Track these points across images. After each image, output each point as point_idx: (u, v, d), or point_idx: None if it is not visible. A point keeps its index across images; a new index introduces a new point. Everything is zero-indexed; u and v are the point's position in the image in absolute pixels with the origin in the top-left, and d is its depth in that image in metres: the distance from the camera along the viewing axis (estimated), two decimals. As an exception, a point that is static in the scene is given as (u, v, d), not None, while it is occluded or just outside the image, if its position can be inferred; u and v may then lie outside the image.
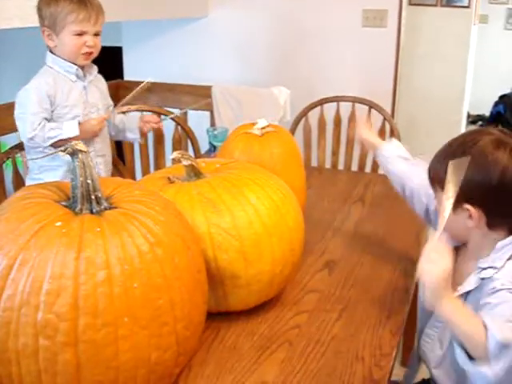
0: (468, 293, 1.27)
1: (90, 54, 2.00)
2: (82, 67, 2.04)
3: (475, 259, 1.30)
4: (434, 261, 1.17)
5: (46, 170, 2.03)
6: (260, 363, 1.27)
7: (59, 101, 1.97)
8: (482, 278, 1.24)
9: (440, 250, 1.19)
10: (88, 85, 2.07)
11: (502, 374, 1.08)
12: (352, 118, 2.94)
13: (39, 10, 1.95)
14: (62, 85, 1.99)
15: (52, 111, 1.96)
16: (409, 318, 1.52)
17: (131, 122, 2.26)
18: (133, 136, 2.27)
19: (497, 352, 1.08)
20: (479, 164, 1.21)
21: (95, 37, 1.98)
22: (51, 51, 2.00)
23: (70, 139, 1.85)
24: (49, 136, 1.90)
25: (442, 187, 1.24)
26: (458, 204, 1.23)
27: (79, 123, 1.97)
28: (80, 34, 1.94)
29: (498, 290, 1.17)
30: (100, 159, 2.16)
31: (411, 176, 1.59)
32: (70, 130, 1.93)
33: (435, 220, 1.47)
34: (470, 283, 1.27)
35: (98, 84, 2.15)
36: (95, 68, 2.12)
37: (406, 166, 1.62)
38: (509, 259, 1.22)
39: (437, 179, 1.31)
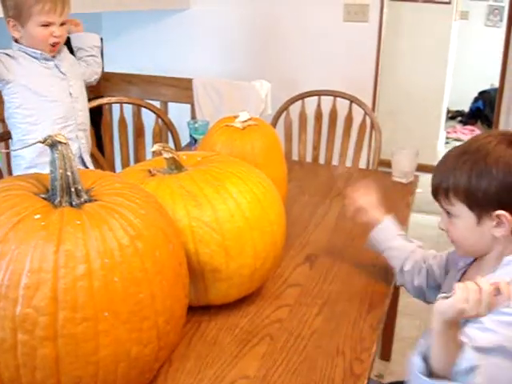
0: None
1: (57, 43, 1.99)
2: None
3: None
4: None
5: (37, 167, 2.00)
6: (241, 357, 1.26)
7: (27, 75, 1.97)
8: None
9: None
10: (58, 62, 2.06)
11: None
12: (333, 112, 2.95)
13: (3, 0, 1.92)
14: (31, 65, 1.99)
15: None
16: (389, 313, 1.53)
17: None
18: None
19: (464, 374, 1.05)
20: (506, 167, 1.15)
21: (61, 26, 1.97)
22: (16, 41, 1.99)
23: None
24: None
25: (459, 197, 1.20)
26: (484, 213, 1.18)
27: None
28: (46, 25, 1.92)
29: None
30: (82, 133, 2.15)
31: (414, 250, 1.54)
32: None
33: (440, 274, 1.46)
34: None
35: (67, 57, 2.14)
36: (64, 50, 2.12)
37: (406, 242, 1.56)
38: None
39: (454, 190, 1.21)
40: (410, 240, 1.59)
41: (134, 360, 1.04)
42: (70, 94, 2.08)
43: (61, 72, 2.06)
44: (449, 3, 4.95)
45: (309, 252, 1.75)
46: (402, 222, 1.96)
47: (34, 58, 1.98)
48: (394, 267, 1.57)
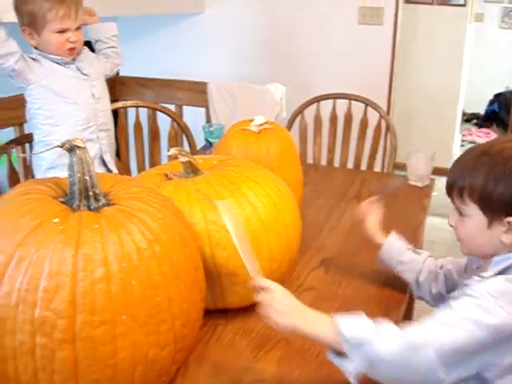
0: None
1: (74, 48, 1.99)
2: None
3: None
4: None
5: (57, 168, 1.99)
6: (257, 361, 1.27)
7: (50, 76, 1.97)
8: (466, 283, 1.17)
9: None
10: (80, 64, 2.06)
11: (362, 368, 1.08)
12: (348, 115, 2.94)
13: (16, 8, 1.92)
14: (53, 68, 1.99)
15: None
16: (405, 317, 1.52)
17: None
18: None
19: (351, 349, 1.08)
20: None
21: (77, 31, 1.96)
22: (36, 48, 1.99)
23: None
24: None
25: (473, 198, 1.18)
26: (495, 218, 1.17)
27: None
28: (62, 31, 1.91)
29: (463, 294, 1.12)
30: (103, 133, 2.15)
31: (427, 263, 1.51)
32: None
33: (459, 279, 1.43)
34: (458, 290, 1.20)
35: (87, 56, 2.13)
36: (85, 50, 2.10)
37: (418, 256, 1.54)
38: (498, 273, 1.16)
39: (469, 191, 1.19)
40: (418, 252, 1.57)
41: (151, 363, 1.05)
42: (93, 94, 2.08)
43: (83, 74, 2.06)
44: (464, 5, 4.93)
45: (324, 256, 1.75)
46: (418, 225, 1.96)
47: (55, 62, 1.99)
48: (409, 281, 1.55)
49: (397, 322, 1.40)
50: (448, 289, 1.48)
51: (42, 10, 1.86)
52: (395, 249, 1.55)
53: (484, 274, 1.16)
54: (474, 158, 1.20)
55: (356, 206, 1.68)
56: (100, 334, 0.98)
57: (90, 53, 2.17)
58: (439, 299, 1.51)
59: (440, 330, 1.07)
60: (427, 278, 1.51)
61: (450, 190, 1.24)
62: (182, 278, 1.09)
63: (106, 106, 2.17)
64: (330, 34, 3.66)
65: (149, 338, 1.03)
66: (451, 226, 1.29)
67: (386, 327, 1.11)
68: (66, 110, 2.01)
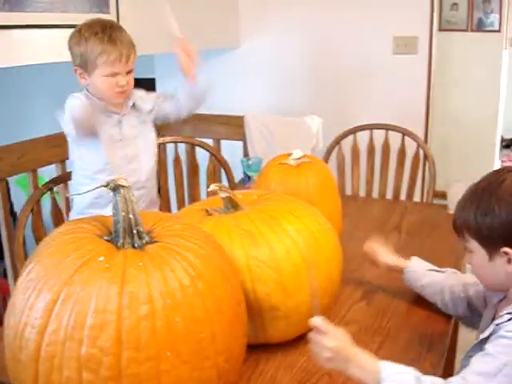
0: (486, 340, 1.18)
1: (123, 92, 1.96)
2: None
3: None
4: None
5: (94, 207, 1.98)
6: (300, 396, 1.26)
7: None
8: (497, 324, 1.17)
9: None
10: (123, 117, 2.03)
11: None
12: (385, 145, 2.94)
13: (70, 48, 1.91)
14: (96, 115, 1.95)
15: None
16: (448, 348, 1.50)
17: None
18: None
19: None
20: (510, 204, 1.17)
21: (128, 74, 1.94)
22: (86, 89, 1.97)
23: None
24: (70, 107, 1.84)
25: (470, 234, 1.23)
26: (494, 250, 1.20)
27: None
28: (112, 75, 1.89)
29: (499, 337, 1.13)
30: (138, 192, 2.05)
31: (448, 281, 1.54)
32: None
33: (479, 305, 1.45)
34: (488, 330, 1.20)
35: (137, 110, 2.09)
36: (134, 95, 2.07)
37: (439, 275, 1.57)
38: None
39: (466, 227, 1.25)
40: (441, 270, 1.59)
41: (195, 399, 1.05)
42: (126, 155, 2.05)
43: (120, 133, 2.03)
44: (498, 31, 4.90)
45: (366, 288, 1.74)
46: (460, 256, 1.93)
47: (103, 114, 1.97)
48: (435, 303, 1.56)
49: (442, 355, 1.39)
50: (473, 313, 1.49)
51: (94, 53, 1.85)
52: (415, 274, 1.60)
53: None
54: (467, 197, 1.27)
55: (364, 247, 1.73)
56: (145, 371, 0.99)
57: (143, 99, 2.13)
58: (469, 321, 1.52)
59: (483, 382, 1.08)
60: (451, 299, 1.52)
61: (454, 228, 1.31)
62: (224, 314, 1.10)
63: (143, 163, 2.10)
64: (365, 65, 3.67)
65: (192, 373, 1.04)
66: (469, 263, 1.33)
67: None
68: (97, 164, 1.99)
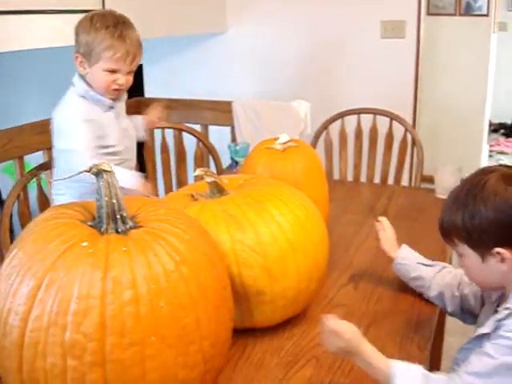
0: (484, 336, 1.19)
1: (119, 90, 1.93)
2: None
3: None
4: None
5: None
6: (287, 380, 1.26)
7: (98, 129, 1.91)
8: (498, 320, 1.17)
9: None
10: (115, 104, 2.00)
11: None
12: (373, 129, 2.93)
13: (77, 34, 1.86)
14: (97, 113, 1.93)
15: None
16: (436, 332, 1.50)
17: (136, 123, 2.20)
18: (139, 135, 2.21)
19: None
20: (496, 203, 1.16)
21: (128, 75, 1.90)
22: (80, 75, 1.92)
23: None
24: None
25: (459, 238, 1.22)
26: (485, 251, 1.19)
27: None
28: (113, 71, 1.86)
29: (498, 337, 1.13)
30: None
31: (437, 279, 1.52)
32: (129, 181, 1.78)
33: (475, 304, 1.44)
34: (488, 326, 1.19)
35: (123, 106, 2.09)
36: (125, 95, 2.05)
37: (428, 269, 1.55)
38: None
39: (455, 233, 1.24)
40: (431, 264, 1.57)
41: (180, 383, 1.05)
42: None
43: (118, 122, 2.01)
44: (486, 15, 4.90)
45: (353, 272, 1.74)
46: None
47: (99, 102, 1.93)
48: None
49: (428, 338, 1.40)
50: (464, 310, 1.49)
51: (101, 46, 1.81)
52: (403, 267, 1.58)
53: (511, 306, 1.16)
54: (452, 202, 1.25)
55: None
56: (129, 356, 0.98)
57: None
58: (456, 315, 1.51)
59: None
60: (439, 294, 1.51)
61: (442, 233, 1.29)
62: (209, 298, 1.09)
63: (132, 157, 2.12)
64: (353, 49, 3.66)
65: (178, 359, 1.03)
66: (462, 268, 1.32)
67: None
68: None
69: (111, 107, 1.97)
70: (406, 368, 1.14)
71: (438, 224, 1.29)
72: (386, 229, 1.65)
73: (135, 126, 2.18)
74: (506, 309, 1.16)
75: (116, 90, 1.91)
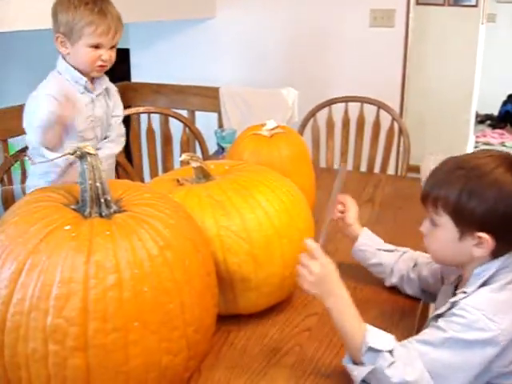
0: (440, 316, 1.20)
1: (104, 66, 1.92)
2: (93, 78, 1.96)
3: None
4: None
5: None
6: (270, 367, 1.26)
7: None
8: (452, 302, 1.19)
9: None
10: (96, 98, 1.98)
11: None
12: (360, 118, 2.93)
13: (55, 14, 1.85)
14: (71, 94, 1.89)
15: None
16: (420, 321, 1.51)
17: None
18: None
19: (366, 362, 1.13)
20: (500, 193, 1.14)
21: (111, 50, 1.90)
22: (63, 57, 1.91)
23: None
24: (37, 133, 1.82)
25: (445, 209, 1.20)
26: (467, 232, 1.18)
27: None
28: (96, 47, 1.85)
29: (451, 314, 1.16)
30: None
31: (397, 263, 1.53)
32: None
33: (435, 284, 1.45)
34: (444, 306, 1.21)
35: (108, 96, 2.06)
36: (106, 80, 2.04)
37: (389, 256, 1.55)
38: (481, 286, 1.18)
39: (443, 203, 1.20)
40: (391, 249, 1.56)
41: (164, 370, 1.04)
42: (96, 136, 2.01)
43: (92, 108, 1.98)
44: (476, 6, 4.90)
45: (338, 260, 1.71)
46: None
47: (76, 83, 1.92)
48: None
49: (412, 326, 1.40)
50: (424, 291, 1.51)
51: (82, 23, 1.80)
52: (363, 253, 1.58)
53: (467, 290, 1.18)
54: (449, 170, 1.22)
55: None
56: (112, 341, 0.97)
57: (115, 92, 2.10)
58: (418, 296, 1.53)
59: (428, 351, 1.12)
60: (400, 280, 1.53)
61: (425, 199, 1.25)
62: (193, 284, 1.09)
63: (107, 151, 2.06)
64: (341, 37, 3.65)
65: (161, 344, 1.02)
66: (422, 232, 1.31)
67: (401, 357, 1.13)
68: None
69: (87, 89, 1.95)
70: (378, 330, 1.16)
71: (424, 187, 1.27)
72: (350, 208, 1.61)
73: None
74: (464, 292, 1.18)
75: (100, 66, 1.91)
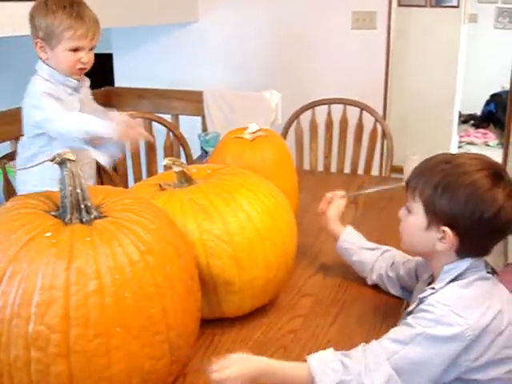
0: (411, 312, 1.22)
1: (84, 69, 1.93)
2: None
3: None
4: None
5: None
6: (255, 369, 1.26)
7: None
8: (421, 298, 1.21)
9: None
10: (80, 88, 1.99)
11: None
12: (343, 120, 2.94)
13: (32, 19, 1.86)
14: (61, 95, 1.91)
15: None
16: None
17: None
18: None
19: None
20: (473, 194, 1.16)
21: (89, 52, 1.91)
22: (43, 62, 1.92)
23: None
24: (86, 129, 1.77)
25: (421, 197, 1.22)
26: (434, 223, 1.21)
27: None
28: (75, 50, 1.86)
29: (419, 310, 1.17)
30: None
31: (379, 262, 1.55)
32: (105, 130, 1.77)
33: (411, 282, 1.47)
34: (414, 303, 1.24)
35: (87, 94, 2.07)
36: (87, 79, 2.05)
37: (370, 254, 1.56)
38: (450, 282, 1.20)
39: (420, 191, 1.23)
40: (372, 248, 1.58)
41: (146, 374, 1.04)
42: None
43: (82, 107, 1.98)
44: (457, 7, 4.94)
45: (322, 261, 1.75)
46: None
47: (64, 85, 1.93)
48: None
49: (396, 325, 1.40)
50: (403, 290, 1.53)
51: (61, 27, 1.81)
52: (346, 251, 1.60)
53: (436, 286, 1.20)
54: (436, 163, 1.25)
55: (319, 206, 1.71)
56: (94, 347, 0.97)
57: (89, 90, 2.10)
58: (401, 295, 1.54)
59: (397, 349, 1.13)
60: (378, 279, 1.55)
61: (408, 184, 1.29)
62: (176, 289, 1.09)
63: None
64: (324, 40, 3.67)
65: (144, 349, 1.03)
66: (400, 218, 1.34)
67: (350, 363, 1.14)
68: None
69: (76, 90, 1.96)
70: (324, 360, 1.15)
71: (410, 174, 1.30)
72: (337, 204, 1.66)
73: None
74: (432, 288, 1.20)
75: (80, 69, 1.92)
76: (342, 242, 1.60)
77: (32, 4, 1.88)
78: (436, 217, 1.21)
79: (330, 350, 1.18)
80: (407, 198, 1.30)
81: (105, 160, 1.97)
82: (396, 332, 1.17)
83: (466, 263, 1.21)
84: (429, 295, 1.18)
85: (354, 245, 1.58)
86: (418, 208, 1.24)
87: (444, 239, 1.20)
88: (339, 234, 1.61)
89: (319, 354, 1.17)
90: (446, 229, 1.19)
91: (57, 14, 1.81)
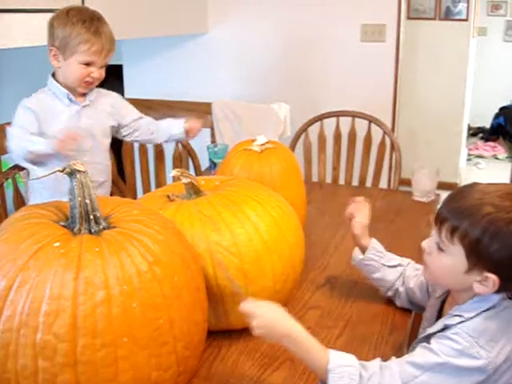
0: (432, 335, 1.18)
1: (92, 83, 1.96)
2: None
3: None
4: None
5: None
6: (262, 382, 1.26)
7: (43, 120, 1.91)
8: (446, 324, 1.17)
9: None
10: (82, 109, 2.00)
11: None
12: (352, 132, 2.94)
13: (51, 27, 1.88)
14: (52, 106, 1.94)
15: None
16: (411, 335, 1.51)
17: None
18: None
19: None
20: None
21: (101, 69, 1.94)
22: (53, 73, 1.96)
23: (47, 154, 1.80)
24: (27, 148, 1.80)
25: (461, 242, 1.13)
26: (476, 269, 1.13)
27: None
28: (87, 64, 1.89)
29: (444, 337, 1.14)
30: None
31: (398, 279, 1.52)
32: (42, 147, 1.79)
33: (422, 296, 1.46)
34: (436, 326, 1.20)
35: (101, 106, 2.07)
36: (95, 91, 2.05)
37: (392, 272, 1.53)
38: (479, 314, 1.14)
39: (461, 235, 1.13)
40: (395, 265, 1.55)
41: (153, 385, 1.05)
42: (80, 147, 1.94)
43: (78, 119, 1.99)
44: (466, 20, 4.94)
45: (329, 274, 1.75)
46: (422, 237, 1.95)
47: (59, 99, 1.96)
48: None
49: (403, 339, 1.40)
50: (413, 305, 1.52)
51: (77, 39, 1.84)
52: (369, 266, 1.56)
53: (464, 315, 1.15)
54: (476, 203, 1.13)
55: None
56: (101, 357, 0.98)
57: (110, 100, 2.12)
58: (406, 306, 1.54)
59: (416, 374, 1.11)
60: (393, 295, 1.55)
61: (442, 222, 1.18)
62: (183, 300, 1.09)
63: (97, 159, 2.08)
64: (333, 52, 3.68)
65: (151, 360, 1.03)
66: (423, 247, 1.26)
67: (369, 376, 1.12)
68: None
69: (72, 101, 1.97)
70: (342, 362, 1.13)
71: (442, 209, 1.19)
72: (362, 210, 1.61)
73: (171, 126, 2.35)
74: (459, 316, 1.15)
75: (88, 82, 1.94)
76: (365, 259, 1.55)
77: (47, 15, 1.91)
78: (479, 263, 1.13)
79: (353, 356, 1.15)
80: (437, 232, 1.19)
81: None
82: (417, 355, 1.14)
83: (497, 297, 1.16)
84: (457, 324, 1.14)
85: (377, 262, 1.54)
86: (456, 251, 1.15)
87: (485, 282, 1.13)
88: (362, 245, 1.57)
89: (342, 354, 1.15)
90: (491, 275, 1.11)
91: (76, 26, 1.84)
